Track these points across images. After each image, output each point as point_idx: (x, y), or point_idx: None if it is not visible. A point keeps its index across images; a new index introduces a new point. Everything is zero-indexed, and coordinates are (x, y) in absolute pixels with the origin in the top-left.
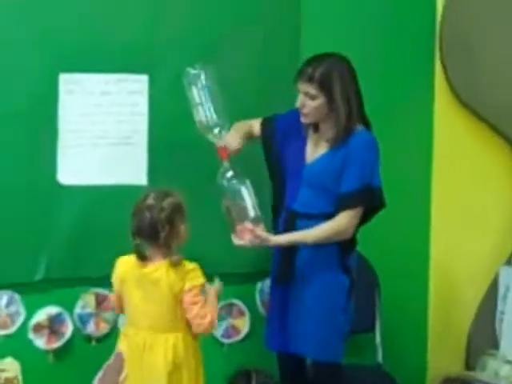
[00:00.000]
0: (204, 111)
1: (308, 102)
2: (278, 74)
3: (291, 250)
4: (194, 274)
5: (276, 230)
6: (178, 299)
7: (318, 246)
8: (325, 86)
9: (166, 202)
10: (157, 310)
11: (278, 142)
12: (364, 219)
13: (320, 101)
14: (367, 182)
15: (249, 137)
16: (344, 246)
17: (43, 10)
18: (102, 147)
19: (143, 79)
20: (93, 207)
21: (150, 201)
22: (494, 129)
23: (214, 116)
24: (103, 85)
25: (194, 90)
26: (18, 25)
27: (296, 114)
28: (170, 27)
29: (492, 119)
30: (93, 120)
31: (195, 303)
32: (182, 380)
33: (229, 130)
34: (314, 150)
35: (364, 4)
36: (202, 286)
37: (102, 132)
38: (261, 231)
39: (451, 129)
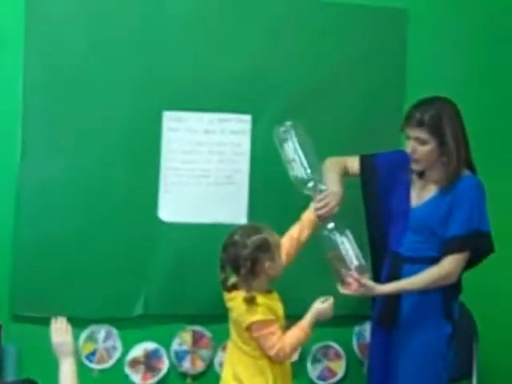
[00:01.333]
0: (297, 167)
1: (419, 147)
2: (383, 119)
3: (397, 295)
4: (250, 312)
5: (379, 275)
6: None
7: (423, 292)
8: (436, 130)
9: (251, 240)
10: (233, 332)
11: (381, 182)
12: (471, 264)
13: (431, 145)
14: (475, 226)
15: (344, 175)
16: (449, 293)
17: (149, 49)
18: (204, 186)
19: (247, 119)
20: (193, 245)
21: (237, 237)
22: None
23: (308, 171)
24: (206, 123)
25: (286, 148)
26: (124, 63)
27: (399, 154)
28: (274, 69)
29: None
30: (195, 158)
31: (257, 338)
32: None
33: (323, 183)
34: (420, 194)
35: (472, 48)
36: (260, 321)
37: (203, 171)
38: (366, 280)
39: None
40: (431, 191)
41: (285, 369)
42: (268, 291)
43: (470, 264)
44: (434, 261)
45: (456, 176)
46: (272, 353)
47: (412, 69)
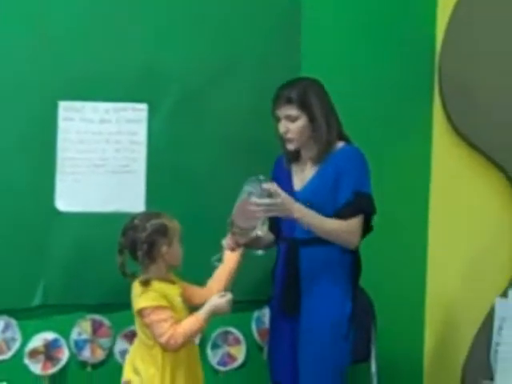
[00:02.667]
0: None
1: (290, 125)
2: None
3: (296, 279)
4: (143, 297)
5: (277, 261)
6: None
7: (329, 277)
8: (304, 105)
9: (150, 223)
10: (136, 322)
11: None
12: (364, 233)
13: (302, 121)
14: (358, 189)
15: None
16: (355, 273)
17: (44, 39)
18: (101, 175)
19: (143, 108)
20: (90, 234)
21: (136, 221)
22: (492, 162)
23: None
24: (102, 113)
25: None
26: (20, 53)
27: (276, 162)
28: (170, 57)
29: (489, 152)
30: (91, 148)
31: (149, 325)
32: None
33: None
34: (301, 177)
35: (364, 38)
36: (151, 307)
37: (100, 160)
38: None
39: (449, 162)
40: (311, 171)
41: (179, 358)
42: (171, 281)
43: (364, 232)
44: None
45: (328, 148)
46: (162, 340)
47: (306, 56)
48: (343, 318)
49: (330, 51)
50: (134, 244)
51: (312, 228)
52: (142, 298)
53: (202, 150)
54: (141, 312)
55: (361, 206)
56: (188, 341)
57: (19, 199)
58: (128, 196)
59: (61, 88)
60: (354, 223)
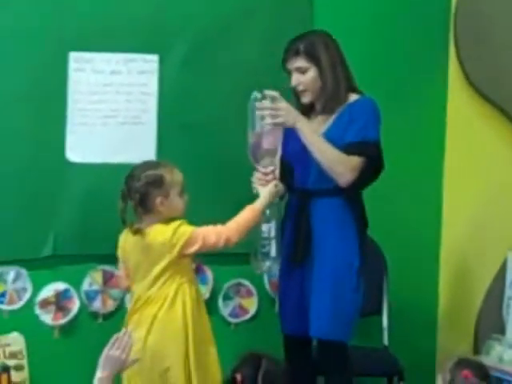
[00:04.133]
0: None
1: (301, 77)
2: None
3: (307, 230)
4: (179, 234)
5: (287, 213)
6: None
7: (336, 228)
8: (312, 55)
9: (145, 174)
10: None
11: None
12: (365, 180)
13: (312, 73)
14: (366, 134)
15: None
16: (361, 225)
17: None
18: (111, 126)
19: (153, 59)
20: (101, 185)
21: (136, 170)
22: (504, 113)
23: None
24: (113, 64)
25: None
26: (30, 4)
27: None
28: (181, 7)
29: (501, 103)
30: (102, 99)
31: (201, 247)
32: None
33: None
34: (317, 130)
35: None
36: (191, 235)
37: (111, 111)
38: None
39: (464, 114)
40: (323, 124)
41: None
42: None
43: (364, 181)
44: (341, 191)
45: (336, 99)
46: (222, 242)
47: (319, 8)
48: (352, 270)
49: (342, 2)
50: (129, 193)
51: (311, 147)
52: (176, 236)
53: (213, 100)
54: (184, 249)
55: (365, 148)
56: (245, 229)
57: (30, 150)
58: (138, 147)
59: (71, 39)
60: (354, 160)
